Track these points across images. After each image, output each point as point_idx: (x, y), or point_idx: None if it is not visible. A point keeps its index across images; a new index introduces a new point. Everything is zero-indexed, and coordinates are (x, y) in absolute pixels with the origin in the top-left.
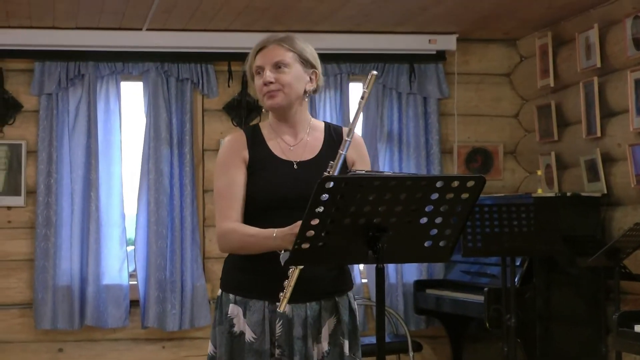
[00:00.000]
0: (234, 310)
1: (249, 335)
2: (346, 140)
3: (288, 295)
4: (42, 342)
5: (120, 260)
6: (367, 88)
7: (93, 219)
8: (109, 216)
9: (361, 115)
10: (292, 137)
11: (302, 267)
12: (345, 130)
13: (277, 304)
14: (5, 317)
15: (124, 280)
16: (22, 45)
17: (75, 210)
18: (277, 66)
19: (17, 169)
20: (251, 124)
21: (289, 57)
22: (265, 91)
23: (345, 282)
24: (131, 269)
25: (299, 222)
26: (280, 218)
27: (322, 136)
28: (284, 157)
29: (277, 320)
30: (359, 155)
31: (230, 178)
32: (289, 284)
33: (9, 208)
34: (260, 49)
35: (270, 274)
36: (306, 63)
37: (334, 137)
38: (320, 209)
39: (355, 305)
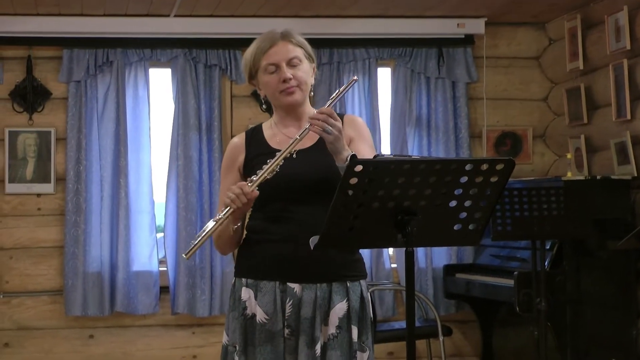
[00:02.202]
0: (245, 293)
1: (261, 317)
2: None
3: (196, 247)
4: (73, 329)
5: (150, 246)
6: (342, 88)
7: (122, 206)
8: (138, 203)
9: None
10: (296, 129)
11: (220, 223)
12: (347, 117)
13: (288, 284)
14: (36, 304)
15: (154, 266)
16: (50, 33)
17: (105, 197)
18: (292, 63)
19: (46, 156)
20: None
21: (299, 52)
22: (283, 88)
23: (357, 269)
24: (161, 255)
25: (239, 182)
26: (279, 207)
27: None
28: (281, 149)
29: (288, 301)
30: (356, 132)
31: (224, 185)
32: (201, 237)
33: (38, 195)
34: (270, 46)
35: (279, 255)
36: (309, 57)
37: None
38: (349, 193)
39: (367, 294)
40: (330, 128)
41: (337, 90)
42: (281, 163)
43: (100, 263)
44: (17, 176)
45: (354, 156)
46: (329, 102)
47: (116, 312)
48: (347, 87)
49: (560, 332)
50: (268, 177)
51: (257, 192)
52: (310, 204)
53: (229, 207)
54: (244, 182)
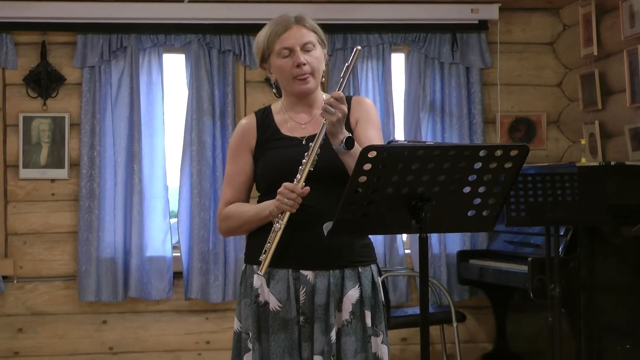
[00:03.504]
0: (258, 280)
1: (274, 304)
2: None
3: (269, 258)
4: (86, 314)
5: (163, 232)
6: (350, 62)
7: (136, 191)
8: (152, 188)
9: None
10: (306, 114)
11: (282, 229)
12: (355, 98)
13: (301, 271)
14: (50, 289)
15: (168, 252)
16: (64, 18)
17: (119, 182)
18: (306, 48)
19: (60, 141)
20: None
21: (313, 37)
22: (297, 73)
23: (367, 255)
24: (174, 241)
25: (285, 184)
26: None
27: None
28: (292, 135)
29: (301, 288)
30: (363, 113)
31: (235, 166)
32: (270, 247)
33: (52, 181)
34: (284, 30)
35: (292, 243)
36: (322, 43)
37: None
38: (363, 179)
39: (378, 279)
40: (332, 109)
41: (346, 65)
42: (318, 152)
43: (114, 248)
44: (31, 161)
45: (349, 138)
46: (341, 80)
47: (129, 297)
48: (353, 59)
49: (574, 318)
50: (311, 169)
51: (309, 188)
52: (323, 191)
53: (285, 212)
54: (292, 184)
